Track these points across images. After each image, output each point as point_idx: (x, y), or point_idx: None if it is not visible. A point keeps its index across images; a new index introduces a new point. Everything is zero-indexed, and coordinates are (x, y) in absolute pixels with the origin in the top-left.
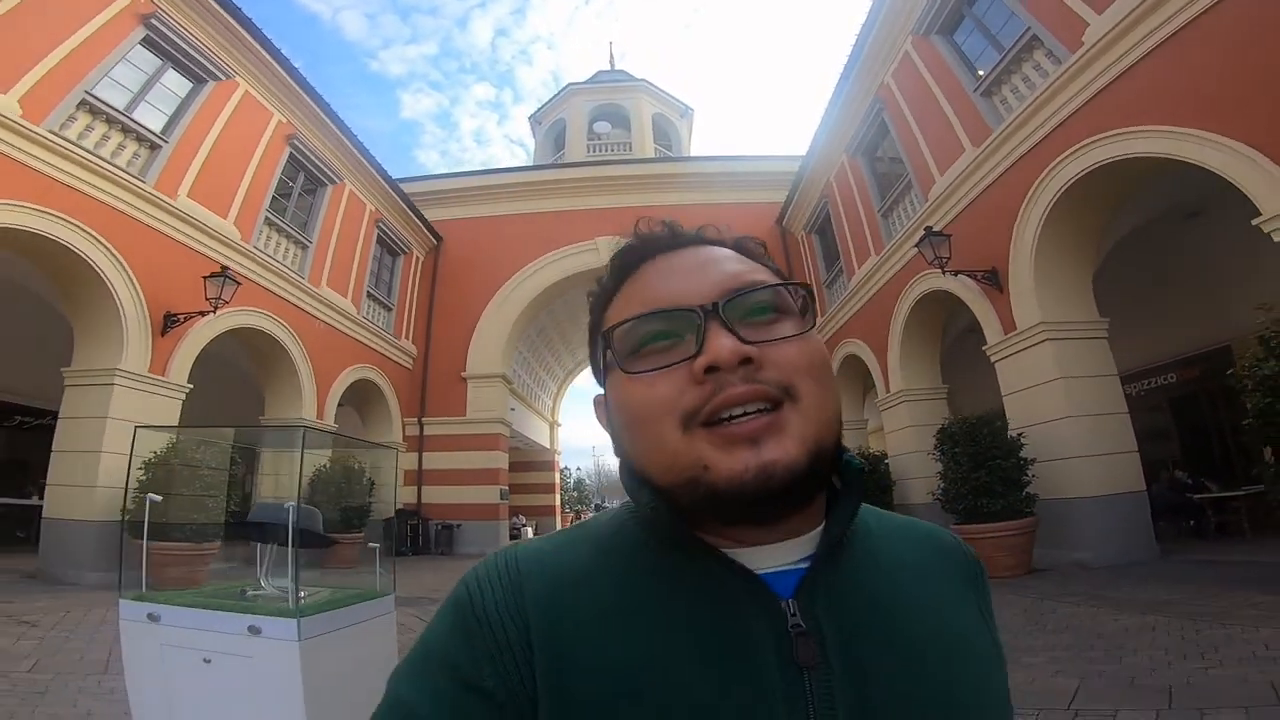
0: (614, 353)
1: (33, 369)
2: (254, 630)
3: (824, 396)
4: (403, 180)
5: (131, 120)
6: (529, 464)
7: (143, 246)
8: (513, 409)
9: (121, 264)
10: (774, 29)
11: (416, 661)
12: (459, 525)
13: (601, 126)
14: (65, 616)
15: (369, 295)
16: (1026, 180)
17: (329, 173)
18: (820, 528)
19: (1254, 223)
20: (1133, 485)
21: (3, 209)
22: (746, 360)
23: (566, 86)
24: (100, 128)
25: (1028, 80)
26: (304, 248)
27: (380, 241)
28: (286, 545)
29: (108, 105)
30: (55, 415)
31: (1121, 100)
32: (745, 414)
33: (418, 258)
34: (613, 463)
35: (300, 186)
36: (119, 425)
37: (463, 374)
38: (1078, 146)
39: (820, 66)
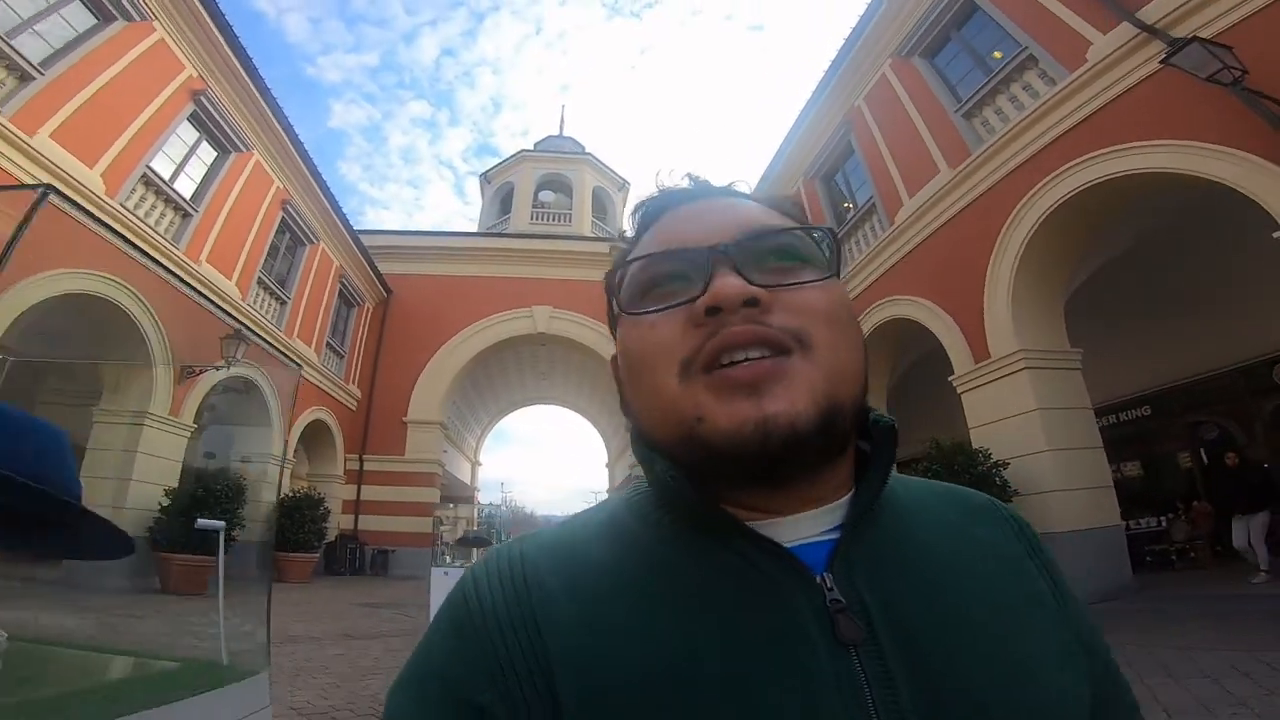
0: (619, 298)
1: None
2: None
3: (842, 345)
4: (362, 232)
5: (174, 191)
6: (453, 498)
7: (173, 310)
8: (445, 450)
9: (159, 325)
10: (721, 72)
11: (412, 674)
12: (393, 551)
13: (546, 195)
14: None
15: (328, 344)
16: (1009, 201)
17: (310, 233)
18: (849, 495)
19: (1276, 235)
20: (1109, 519)
21: (82, 278)
22: (753, 302)
23: (519, 152)
24: (151, 198)
25: (1015, 100)
26: (283, 303)
27: (341, 295)
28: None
29: (160, 178)
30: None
31: (1123, 116)
32: (747, 359)
33: (369, 308)
34: (521, 496)
35: (284, 247)
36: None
37: (404, 418)
38: (1073, 163)
39: (770, 117)
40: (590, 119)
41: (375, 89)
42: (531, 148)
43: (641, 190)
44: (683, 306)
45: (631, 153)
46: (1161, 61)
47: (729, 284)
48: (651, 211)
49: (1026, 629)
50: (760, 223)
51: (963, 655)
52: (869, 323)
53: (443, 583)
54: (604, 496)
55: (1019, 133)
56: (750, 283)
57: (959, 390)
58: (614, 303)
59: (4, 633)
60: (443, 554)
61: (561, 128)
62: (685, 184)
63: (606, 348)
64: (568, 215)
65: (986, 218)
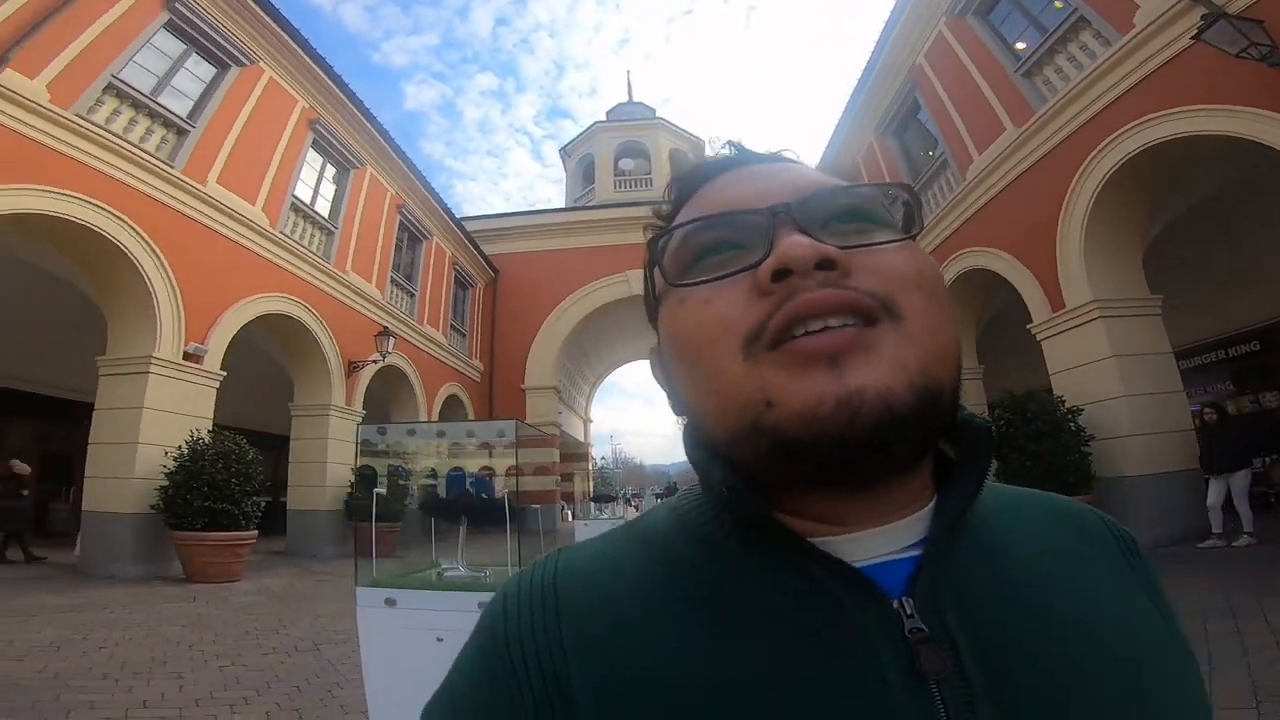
0: (663, 272)
1: (71, 361)
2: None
3: (937, 318)
4: (465, 219)
5: (158, 104)
6: (570, 457)
7: (173, 231)
8: (560, 411)
9: (153, 249)
10: (780, 19)
11: (440, 695)
12: (527, 509)
13: (626, 163)
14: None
15: (452, 326)
16: (1076, 158)
17: (424, 230)
18: (930, 505)
19: None
20: (1189, 463)
21: (34, 195)
22: (829, 264)
23: (593, 124)
24: (128, 112)
25: (1074, 60)
26: (412, 295)
27: (456, 280)
28: (470, 521)
29: (134, 89)
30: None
31: (1174, 80)
32: (826, 328)
33: (480, 288)
34: (630, 448)
35: (405, 245)
36: (155, 415)
37: (522, 386)
38: (1130, 125)
39: (832, 78)
40: (655, 74)
41: (442, 67)
42: (604, 118)
43: (719, 147)
44: (744, 274)
45: (701, 106)
46: (1193, 38)
47: (798, 243)
48: (692, 180)
49: (1148, 675)
50: (822, 180)
51: (1075, 702)
52: (949, 273)
53: (585, 533)
54: None
55: (1080, 92)
56: (822, 242)
57: (1038, 338)
58: (654, 278)
59: (485, 570)
60: (567, 509)
61: (630, 93)
62: (724, 156)
63: None
64: (649, 180)
65: (1054, 173)
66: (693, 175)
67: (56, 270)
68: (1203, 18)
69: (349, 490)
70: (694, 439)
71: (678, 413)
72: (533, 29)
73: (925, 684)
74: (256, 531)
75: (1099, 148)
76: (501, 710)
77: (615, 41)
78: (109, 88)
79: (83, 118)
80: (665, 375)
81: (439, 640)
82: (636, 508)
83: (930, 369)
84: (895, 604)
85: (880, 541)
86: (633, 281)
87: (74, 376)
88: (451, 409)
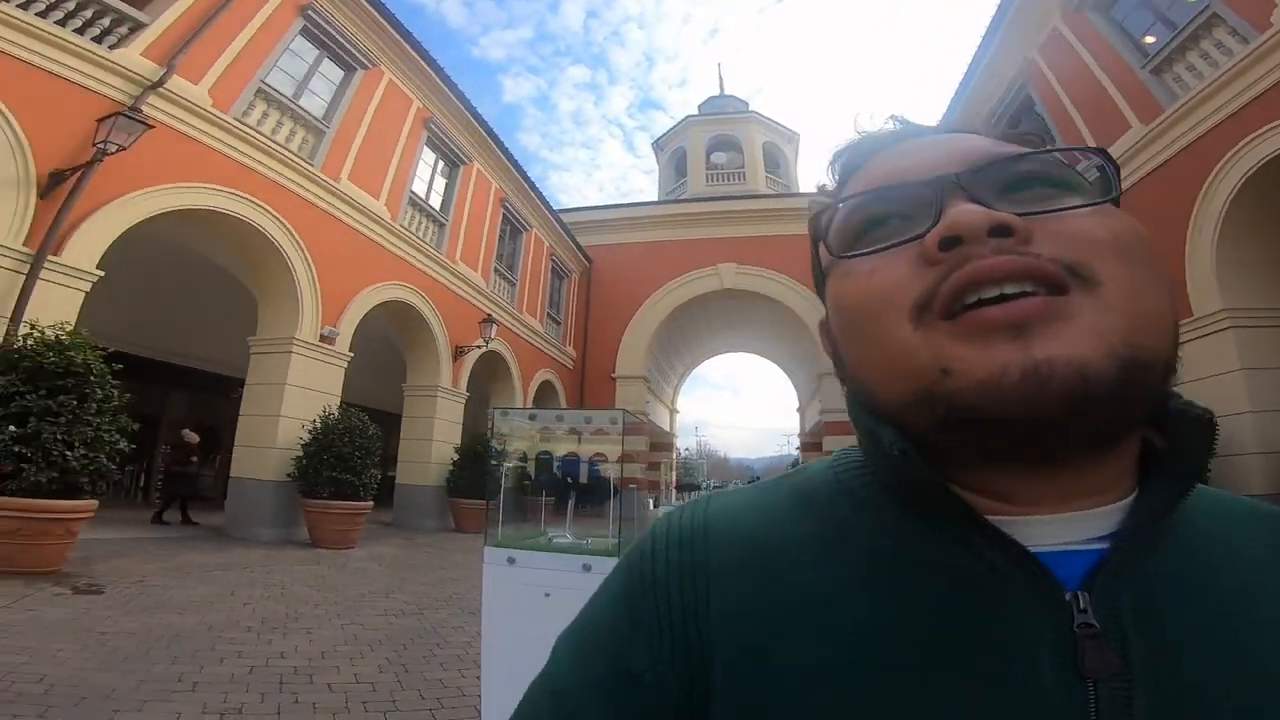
0: (827, 246)
1: (230, 341)
2: (586, 568)
3: (1142, 282)
4: (562, 211)
5: (299, 107)
6: (656, 445)
7: (313, 224)
8: (647, 401)
9: (298, 240)
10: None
11: (578, 624)
12: (626, 491)
13: (718, 157)
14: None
15: (548, 315)
16: (1211, 159)
17: (524, 222)
18: (1129, 499)
19: None
20: None
21: (204, 193)
22: (1004, 230)
23: (685, 118)
24: (274, 115)
25: (1208, 58)
26: (513, 285)
27: (553, 270)
28: (578, 493)
29: (280, 93)
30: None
31: None
32: (1003, 297)
33: (575, 278)
34: (714, 440)
35: (507, 237)
36: (295, 391)
37: (613, 375)
38: (1270, 126)
39: (939, 62)
40: (746, 66)
41: (536, 60)
42: (696, 111)
43: (813, 140)
44: (909, 244)
45: (794, 98)
46: None
47: (967, 210)
48: (856, 156)
49: None
50: (995, 149)
51: None
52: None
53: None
54: (795, 440)
55: (1216, 90)
56: (995, 210)
57: None
58: (820, 251)
59: (588, 538)
60: (649, 498)
61: (721, 86)
62: (891, 125)
63: (793, 298)
64: (741, 173)
65: (1186, 173)
66: (857, 150)
67: (216, 259)
68: None
69: (452, 466)
70: (857, 401)
71: (842, 380)
72: (622, 21)
73: (1081, 681)
74: (372, 502)
75: (1236, 148)
76: (640, 646)
77: (705, 32)
78: (259, 92)
79: (239, 121)
80: (831, 345)
81: (546, 595)
82: None
83: (1136, 338)
84: (1068, 596)
85: (1062, 529)
86: (723, 275)
87: (227, 353)
88: (545, 394)
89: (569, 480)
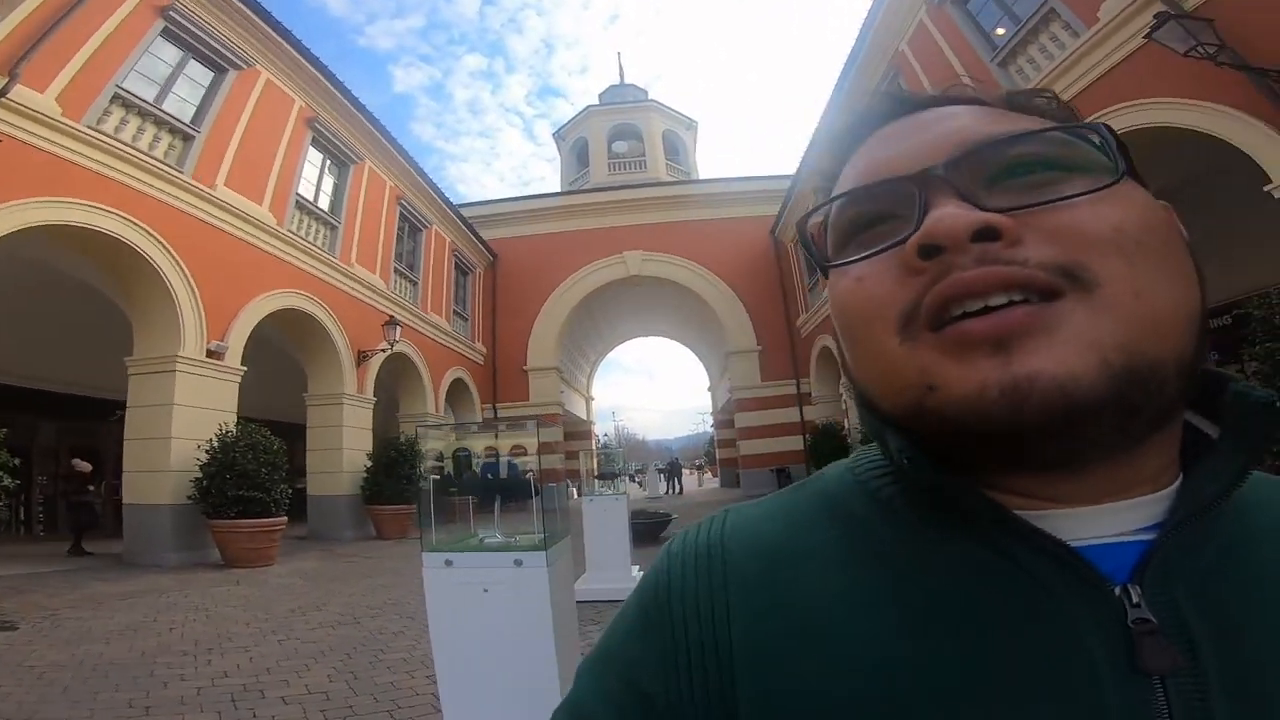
0: (810, 252)
1: (100, 361)
2: (518, 563)
3: (1151, 278)
4: (463, 206)
5: (162, 111)
6: (573, 434)
7: (188, 235)
8: (562, 391)
9: (171, 253)
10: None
11: (597, 652)
12: (548, 486)
13: (619, 146)
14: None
15: (455, 312)
16: None
17: (423, 219)
18: (1175, 485)
19: (1266, 189)
20: None
21: (56, 207)
22: (988, 233)
23: (586, 109)
24: (135, 120)
25: (1045, 50)
26: (414, 284)
27: (457, 266)
28: (501, 492)
29: (139, 98)
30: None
31: (1141, 72)
32: (987, 309)
33: (480, 273)
34: (631, 423)
35: (406, 236)
36: (184, 411)
37: (525, 367)
38: (1098, 114)
39: (816, 79)
40: (647, 51)
41: (429, 49)
42: (597, 101)
43: (711, 126)
44: (892, 250)
45: (693, 84)
46: (1145, 37)
47: (947, 215)
48: (849, 139)
49: None
50: (984, 131)
51: None
52: None
53: (591, 509)
54: (709, 418)
55: (1050, 81)
56: (983, 208)
57: None
58: (814, 253)
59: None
60: (572, 487)
61: (621, 76)
62: (883, 104)
63: (698, 283)
64: (642, 162)
65: None
66: (848, 135)
67: (81, 275)
68: (1155, 16)
69: (365, 474)
70: (865, 406)
71: (848, 378)
72: (520, 7)
73: (1145, 681)
74: (286, 517)
75: None
76: (653, 669)
77: (605, 18)
78: (115, 98)
79: (93, 129)
80: (835, 343)
81: (485, 591)
82: (640, 484)
83: (1137, 342)
84: (1116, 591)
85: (1102, 521)
86: (629, 262)
87: (96, 375)
88: (457, 392)
89: (490, 478)
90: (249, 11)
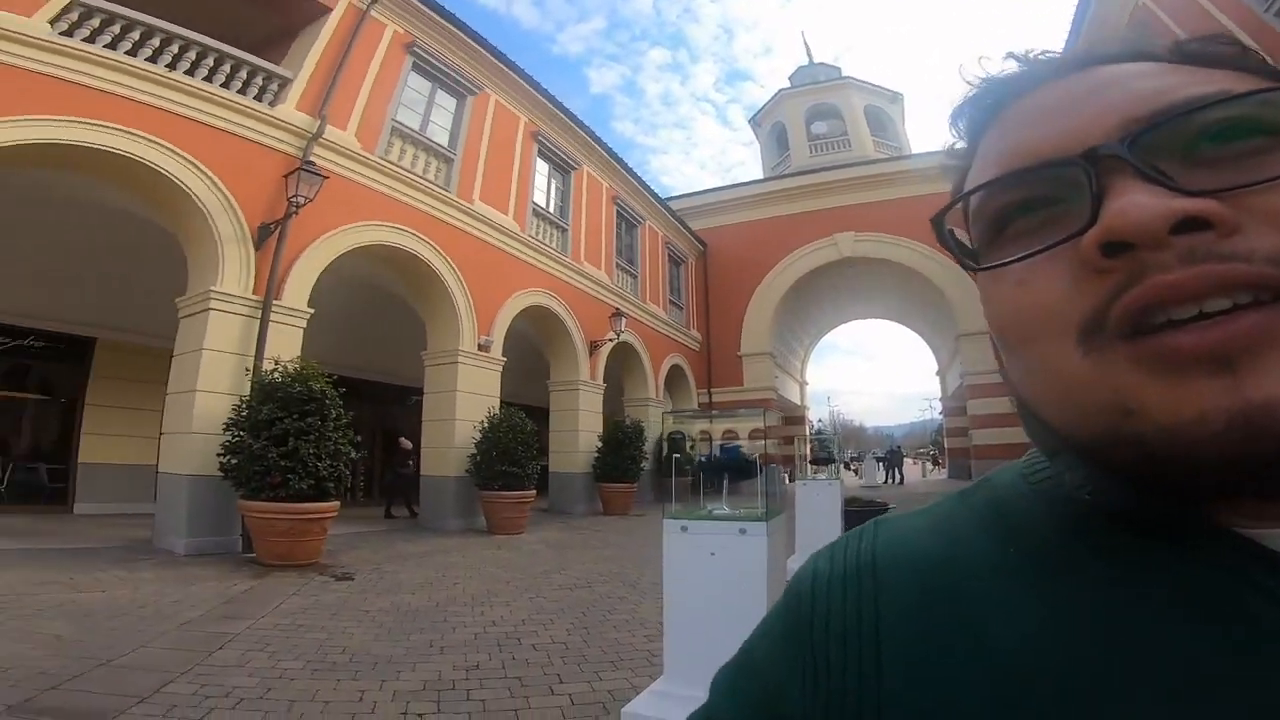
0: (954, 253)
1: (400, 357)
2: (743, 531)
3: None
4: (671, 199)
5: (428, 139)
6: (787, 420)
7: (458, 246)
8: (775, 376)
9: (450, 263)
10: None
11: (735, 662)
12: (769, 468)
13: (818, 127)
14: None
15: (670, 301)
16: None
17: (637, 216)
18: None
19: None
20: None
21: (367, 230)
22: (1193, 224)
23: (778, 93)
24: (410, 149)
25: None
26: (634, 277)
27: (670, 258)
28: (730, 472)
29: (409, 128)
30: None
31: None
32: (1202, 315)
33: (691, 263)
34: (847, 408)
35: (623, 233)
36: (464, 396)
37: (738, 353)
38: None
39: (1035, 36)
40: (831, 24)
41: (615, 48)
42: (788, 84)
43: (920, 96)
44: (1063, 245)
45: (888, 53)
46: None
47: (1135, 205)
48: (981, 114)
49: None
50: (1169, 94)
51: None
52: None
53: (804, 493)
54: (937, 404)
55: None
56: (1180, 190)
57: None
58: (959, 252)
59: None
60: (784, 473)
61: (809, 55)
62: (1012, 67)
63: (920, 261)
64: (845, 141)
65: None
66: (978, 111)
67: (388, 286)
68: None
69: (596, 453)
70: (1032, 418)
71: (1007, 384)
72: None
73: None
74: (535, 491)
75: None
76: (791, 693)
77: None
78: (394, 130)
79: (383, 159)
80: (993, 346)
81: (712, 554)
82: (856, 472)
83: None
84: None
85: None
86: (841, 245)
87: (400, 366)
88: (674, 378)
89: (720, 459)
90: (470, 40)
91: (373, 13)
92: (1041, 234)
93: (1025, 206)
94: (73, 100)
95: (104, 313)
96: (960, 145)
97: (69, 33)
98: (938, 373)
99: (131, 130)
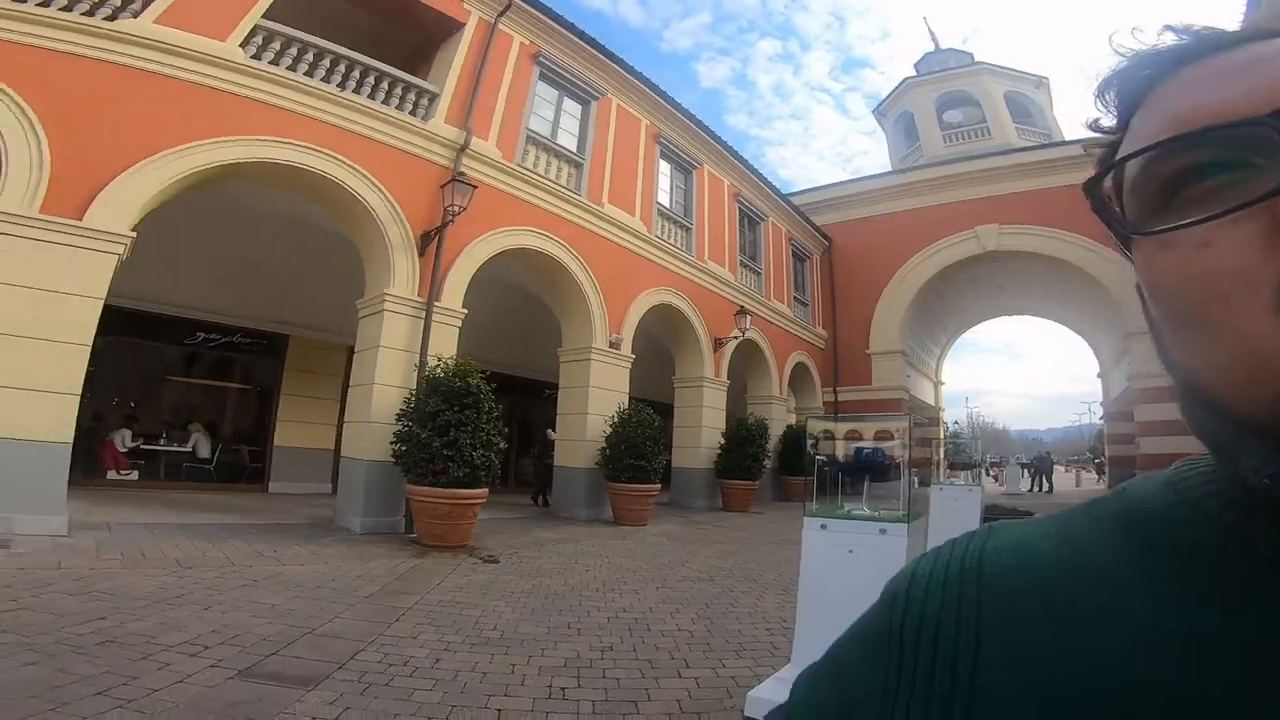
0: (1122, 210)
1: (535, 353)
2: (883, 531)
3: None
4: (793, 194)
5: (559, 146)
6: (920, 420)
7: (590, 248)
8: (907, 375)
9: (584, 264)
10: None
11: (820, 666)
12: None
13: (952, 115)
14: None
15: (794, 298)
16: None
17: (759, 212)
18: None
19: None
20: None
21: (514, 235)
22: None
23: (903, 82)
24: (544, 156)
25: None
26: (758, 274)
27: (793, 254)
28: (870, 474)
29: (542, 136)
30: (556, 386)
31: None
32: None
33: (816, 258)
34: (988, 410)
35: (746, 229)
36: (596, 391)
37: (867, 351)
38: None
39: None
40: (954, 6)
41: (723, 41)
42: (913, 72)
43: (1067, 79)
44: (1256, 206)
45: (1023, 31)
46: None
47: None
48: (1137, 85)
49: None
50: None
51: None
52: None
53: (940, 498)
54: (1097, 408)
55: None
56: None
57: None
58: (1112, 220)
59: (882, 509)
60: (915, 476)
61: (935, 41)
62: (1170, 39)
63: (1078, 254)
64: (984, 129)
65: None
66: (1133, 83)
67: (527, 285)
68: None
69: (719, 450)
70: (1199, 403)
71: (1164, 364)
72: None
73: None
74: (660, 485)
75: None
76: (873, 705)
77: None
78: (529, 139)
79: (521, 165)
80: (1150, 323)
81: (850, 552)
82: (996, 478)
83: None
84: None
85: None
86: (983, 237)
87: (536, 361)
88: (798, 376)
89: (864, 462)
90: (588, 46)
91: (501, 25)
92: (1222, 197)
93: (1199, 171)
94: (268, 120)
95: (296, 312)
96: (1109, 120)
97: (257, 56)
98: (1099, 374)
99: (317, 147)
